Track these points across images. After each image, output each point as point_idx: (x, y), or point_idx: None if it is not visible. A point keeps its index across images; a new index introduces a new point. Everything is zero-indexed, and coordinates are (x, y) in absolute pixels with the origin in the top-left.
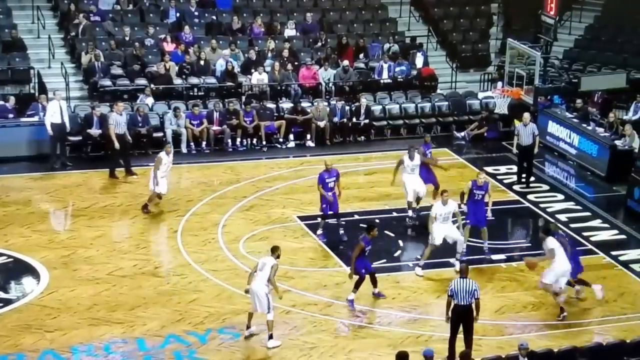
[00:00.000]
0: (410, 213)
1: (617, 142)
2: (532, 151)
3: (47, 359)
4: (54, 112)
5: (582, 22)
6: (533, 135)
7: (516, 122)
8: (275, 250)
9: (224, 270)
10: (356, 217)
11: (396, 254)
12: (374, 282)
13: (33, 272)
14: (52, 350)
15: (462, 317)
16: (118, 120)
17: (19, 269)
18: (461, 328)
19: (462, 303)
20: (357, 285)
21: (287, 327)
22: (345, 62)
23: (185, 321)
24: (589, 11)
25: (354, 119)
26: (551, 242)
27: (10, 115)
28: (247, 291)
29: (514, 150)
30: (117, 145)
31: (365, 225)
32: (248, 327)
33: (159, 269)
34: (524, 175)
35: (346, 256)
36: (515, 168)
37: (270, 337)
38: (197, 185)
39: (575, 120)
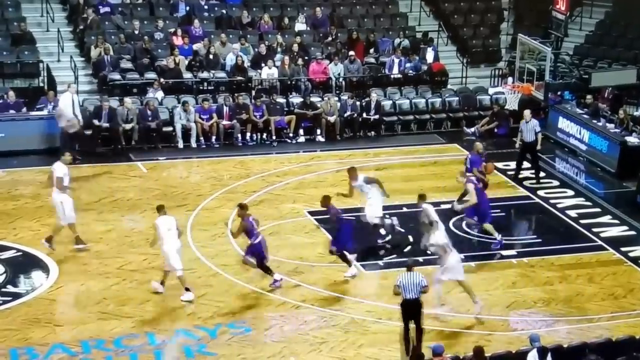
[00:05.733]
0: None
1: (632, 138)
2: (535, 147)
3: (56, 352)
4: (66, 105)
5: (593, 18)
6: (535, 132)
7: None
8: (162, 208)
9: (234, 264)
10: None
11: (406, 250)
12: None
13: (42, 266)
14: (62, 344)
15: (411, 310)
16: None
17: (28, 263)
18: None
19: (410, 297)
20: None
21: (297, 322)
22: (351, 53)
23: (195, 316)
24: (599, 7)
25: (364, 114)
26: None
27: (12, 111)
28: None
29: (517, 145)
30: None
31: None
32: (162, 283)
33: None
34: (530, 174)
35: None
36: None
37: (187, 289)
38: (206, 180)
39: (585, 116)
